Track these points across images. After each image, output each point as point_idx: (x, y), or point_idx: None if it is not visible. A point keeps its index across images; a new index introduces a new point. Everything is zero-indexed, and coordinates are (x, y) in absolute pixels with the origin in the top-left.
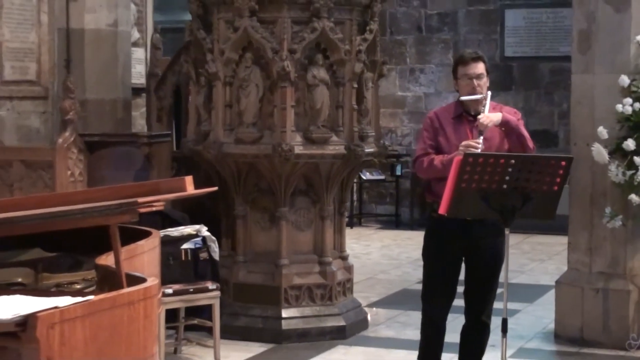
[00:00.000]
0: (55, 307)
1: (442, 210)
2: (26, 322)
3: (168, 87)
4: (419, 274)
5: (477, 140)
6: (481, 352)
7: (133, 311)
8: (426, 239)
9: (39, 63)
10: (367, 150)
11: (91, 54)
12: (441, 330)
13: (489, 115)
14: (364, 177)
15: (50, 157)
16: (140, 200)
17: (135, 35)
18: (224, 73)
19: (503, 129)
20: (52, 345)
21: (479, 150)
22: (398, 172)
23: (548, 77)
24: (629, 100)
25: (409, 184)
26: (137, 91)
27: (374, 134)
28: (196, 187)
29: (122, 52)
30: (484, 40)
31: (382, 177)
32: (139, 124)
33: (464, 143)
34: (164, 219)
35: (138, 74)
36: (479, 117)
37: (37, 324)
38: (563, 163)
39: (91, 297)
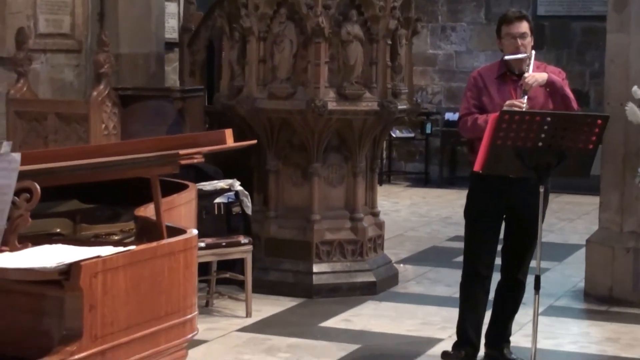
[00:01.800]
0: (98, 257)
1: (477, 167)
2: (69, 271)
3: (201, 41)
4: (448, 231)
5: (522, 100)
6: (515, 309)
7: (173, 262)
8: (469, 197)
9: (72, 16)
10: (400, 107)
11: (125, 7)
12: (487, 289)
13: (534, 75)
14: (394, 135)
15: (84, 110)
16: (182, 152)
17: None
18: (258, 28)
19: (548, 89)
20: (94, 294)
21: (523, 110)
22: (428, 130)
23: (580, 37)
24: None
25: (439, 142)
26: (169, 46)
27: (407, 91)
28: None
29: (156, 6)
30: None
31: (412, 135)
32: (171, 78)
33: (508, 102)
34: (197, 173)
35: (171, 28)
36: (525, 76)
37: (80, 272)
38: (599, 121)
39: (133, 247)
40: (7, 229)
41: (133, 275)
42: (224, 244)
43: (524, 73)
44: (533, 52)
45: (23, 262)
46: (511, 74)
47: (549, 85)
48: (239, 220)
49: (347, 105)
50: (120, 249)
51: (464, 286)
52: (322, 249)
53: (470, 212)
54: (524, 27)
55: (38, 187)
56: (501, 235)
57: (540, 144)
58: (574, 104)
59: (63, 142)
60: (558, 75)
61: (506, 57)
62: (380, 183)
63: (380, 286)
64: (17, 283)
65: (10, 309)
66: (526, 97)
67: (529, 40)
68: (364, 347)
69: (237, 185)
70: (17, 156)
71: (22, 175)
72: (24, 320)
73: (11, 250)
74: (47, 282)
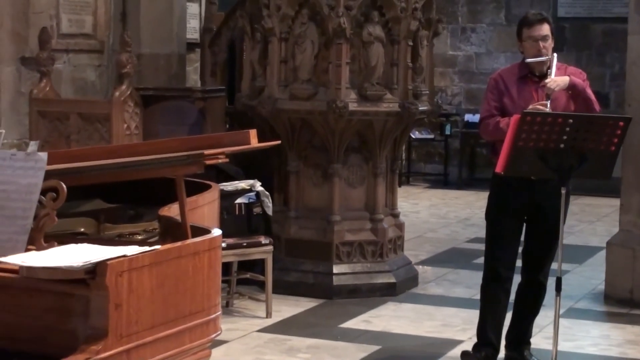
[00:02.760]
0: (124, 256)
1: (499, 168)
2: (96, 270)
3: (223, 42)
4: (467, 232)
5: (545, 103)
6: (536, 311)
7: (198, 261)
8: (490, 199)
9: (95, 16)
10: (420, 108)
11: (146, 7)
12: (508, 290)
13: (556, 79)
14: (413, 136)
15: (106, 110)
16: (207, 152)
17: None
18: (279, 29)
19: (570, 92)
20: (120, 293)
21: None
22: (447, 132)
23: (600, 39)
24: None
25: (458, 143)
26: (191, 46)
27: (427, 92)
28: None
29: (178, 6)
30: (537, 0)
31: (431, 136)
32: (192, 79)
33: (531, 107)
34: (218, 174)
35: (192, 29)
36: (546, 81)
37: (106, 271)
38: (621, 123)
39: (158, 246)
40: (34, 227)
41: (158, 274)
42: (244, 244)
43: (545, 75)
44: (555, 54)
45: (50, 261)
46: (532, 76)
47: (571, 88)
48: (259, 220)
49: (368, 106)
50: (146, 248)
51: (485, 288)
52: (342, 250)
53: (491, 213)
54: (545, 29)
55: (64, 186)
56: (522, 237)
57: (562, 145)
58: (596, 106)
59: (85, 141)
60: (579, 76)
61: (527, 60)
62: (400, 184)
63: (400, 287)
64: (44, 282)
65: (36, 308)
66: (549, 101)
67: (550, 43)
68: (384, 349)
69: (258, 186)
70: (43, 155)
71: (48, 175)
72: (49, 318)
73: (38, 249)
74: (73, 281)
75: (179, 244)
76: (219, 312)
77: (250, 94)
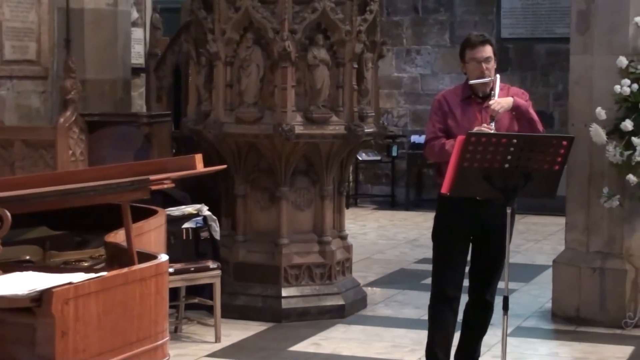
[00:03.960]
0: (70, 283)
1: (444, 189)
2: (41, 298)
3: (168, 67)
4: (415, 254)
5: (489, 126)
6: (484, 330)
7: (145, 287)
8: (436, 220)
9: (38, 42)
10: (366, 130)
11: (91, 33)
12: (455, 310)
13: (500, 101)
14: (360, 158)
15: (51, 136)
16: (152, 177)
17: (134, 14)
18: (224, 53)
19: (514, 113)
20: (66, 320)
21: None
22: (394, 153)
23: (544, 59)
24: (627, 81)
25: (405, 164)
26: (135, 71)
27: (373, 114)
28: None
29: (122, 32)
30: (480, 22)
31: (378, 157)
32: (137, 104)
33: (476, 129)
34: (165, 199)
35: (137, 54)
36: (490, 103)
37: (52, 299)
38: (564, 143)
39: (104, 273)
40: None
41: (105, 301)
42: (192, 269)
43: (488, 96)
44: (498, 75)
45: None
46: (476, 97)
47: (515, 109)
48: (207, 245)
49: (314, 129)
50: (92, 275)
51: (433, 308)
52: (290, 273)
53: (437, 234)
54: (488, 51)
55: (9, 214)
56: (469, 257)
57: (506, 165)
58: (540, 126)
59: (30, 168)
60: (522, 97)
61: (471, 82)
62: (347, 206)
63: (349, 309)
64: None
65: None
66: (493, 122)
67: (492, 64)
68: None
69: (205, 210)
70: None
71: None
72: None
73: None
74: (18, 309)
75: (125, 270)
76: (167, 338)
77: (196, 119)
